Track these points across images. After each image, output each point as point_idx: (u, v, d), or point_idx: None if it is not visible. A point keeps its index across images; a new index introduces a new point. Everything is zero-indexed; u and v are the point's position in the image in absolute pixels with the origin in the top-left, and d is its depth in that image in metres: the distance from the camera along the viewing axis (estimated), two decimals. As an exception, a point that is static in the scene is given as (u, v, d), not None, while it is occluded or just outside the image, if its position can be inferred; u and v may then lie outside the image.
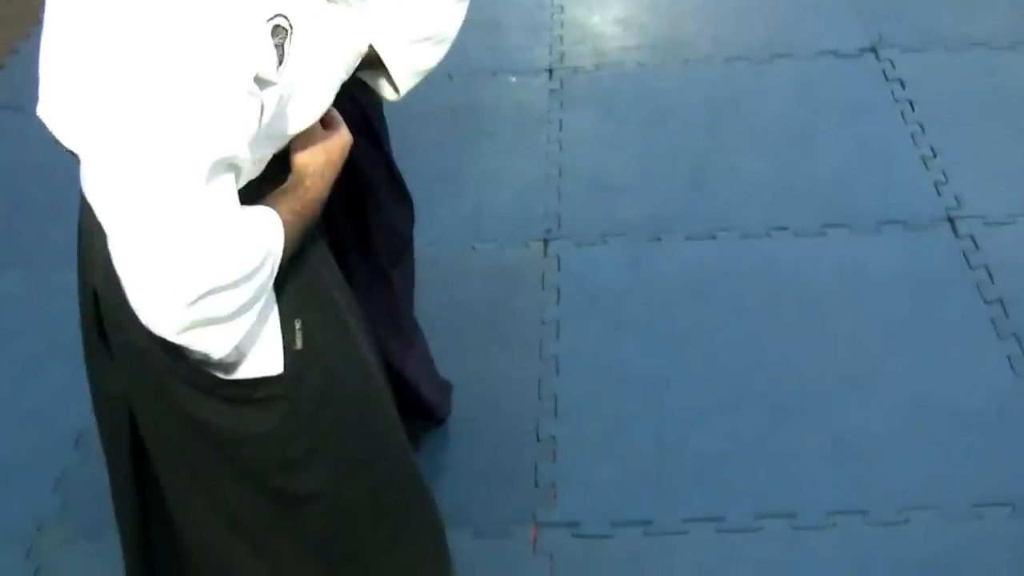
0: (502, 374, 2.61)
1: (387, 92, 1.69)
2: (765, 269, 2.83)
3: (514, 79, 3.65)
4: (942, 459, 2.35)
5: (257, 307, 1.31)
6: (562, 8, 3.98)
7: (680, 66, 3.64)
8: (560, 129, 3.39)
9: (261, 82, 1.19)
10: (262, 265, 1.26)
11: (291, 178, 1.41)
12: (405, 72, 1.65)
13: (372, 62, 1.60)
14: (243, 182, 1.27)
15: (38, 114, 1.37)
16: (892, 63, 3.50)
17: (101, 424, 1.70)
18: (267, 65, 1.19)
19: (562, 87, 3.58)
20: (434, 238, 2.92)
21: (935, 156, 3.12)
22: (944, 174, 3.06)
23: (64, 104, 1.33)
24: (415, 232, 2.19)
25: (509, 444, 2.45)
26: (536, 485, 2.37)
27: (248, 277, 1.24)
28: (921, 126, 3.23)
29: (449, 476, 2.36)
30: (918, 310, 2.69)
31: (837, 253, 2.86)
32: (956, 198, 2.98)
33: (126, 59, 1.13)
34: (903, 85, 3.40)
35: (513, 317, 2.77)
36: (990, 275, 2.76)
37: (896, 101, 3.35)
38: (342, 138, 1.46)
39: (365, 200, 2.02)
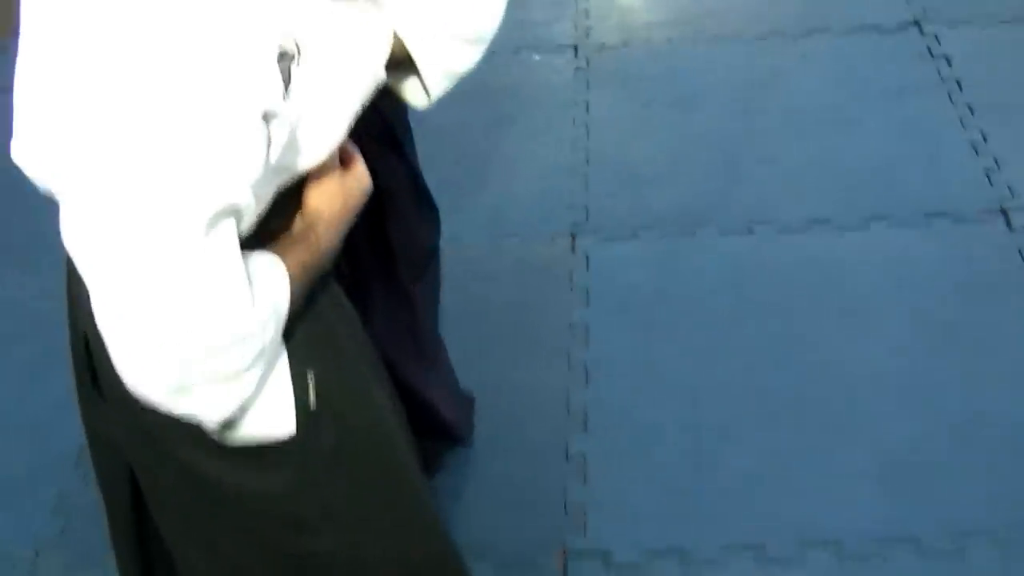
0: (527, 384, 2.46)
1: (415, 97, 1.54)
2: (805, 267, 2.66)
3: (537, 57, 3.48)
4: (1000, 480, 2.19)
5: (258, 370, 1.16)
6: (588, -19, 3.79)
7: (711, 42, 3.46)
8: (587, 111, 3.22)
9: (267, 116, 1.05)
10: (264, 325, 1.12)
11: (301, 224, 1.26)
12: (438, 74, 1.50)
13: (400, 62, 1.45)
14: (246, 227, 1.12)
15: (11, 154, 1.21)
16: (937, 38, 3.31)
17: (98, 468, 1.57)
18: (273, 96, 1.05)
19: (588, 65, 3.41)
20: (454, 234, 2.73)
21: (985, 141, 2.94)
22: (996, 161, 2.88)
23: (43, 139, 1.16)
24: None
25: (535, 463, 2.30)
26: (565, 509, 2.22)
27: (248, 338, 1.10)
28: (970, 108, 3.04)
29: (470, 500, 2.23)
30: (970, 312, 2.53)
31: (881, 249, 2.69)
32: (1009, 187, 2.81)
33: (115, 92, 0.98)
34: (949, 62, 3.21)
35: (539, 320, 2.62)
36: (1049, 273, 2.57)
37: (942, 80, 3.16)
38: (361, 181, 1.33)
39: (385, 213, 1.89)
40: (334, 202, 1.29)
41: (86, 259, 1.03)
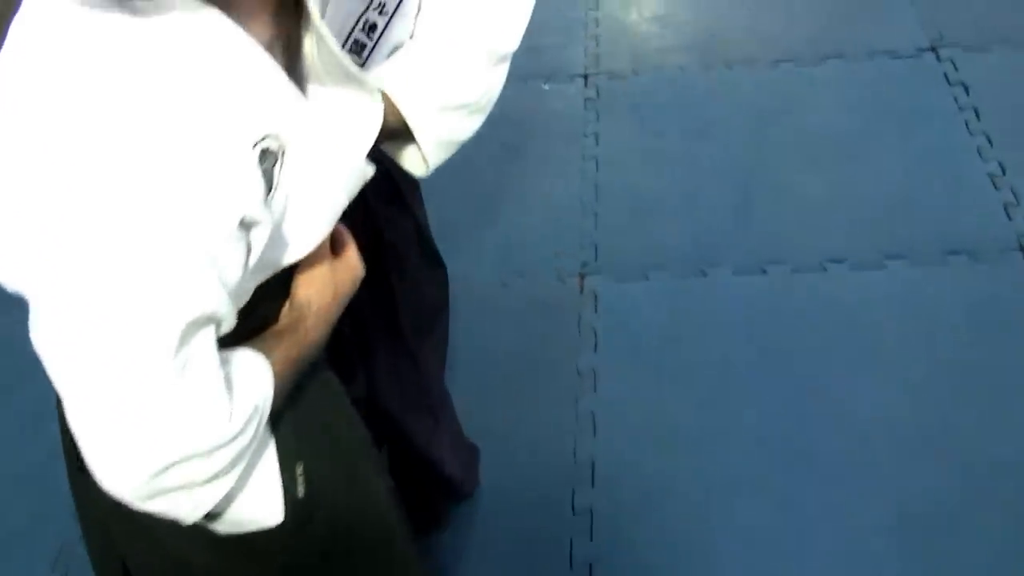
0: (534, 433, 2.41)
1: (414, 165, 1.52)
2: (820, 308, 2.60)
3: (547, 86, 3.41)
4: (1020, 533, 2.12)
5: (237, 470, 1.11)
6: (597, 4, 3.73)
7: (723, 69, 3.40)
8: (596, 143, 3.16)
9: (245, 223, 1.00)
10: (244, 428, 1.07)
11: (290, 315, 1.23)
12: (434, 143, 1.47)
13: (398, 132, 1.43)
14: (227, 328, 1.07)
15: None
16: (954, 64, 3.24)
17: (88, 545, 1.53)
18: (253, 204, 1.00)
19: (598, 95, 3.35)
20: (461, 272, 2.67)
21: (1004, 173, 2.87)
22: (1014, 194, 2.80)
23: (11, 245, 1.12)
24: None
25: (541, 517, 2.25)
26: (571, 566, 2.17)
27: (224, 446, 1.05)
28: (988, 138, 2.97)
29: (474, 557, 2.18)
30: (989, 354, 2.45)
31: (898, 289, 2.62)
32: (1029, 223, 2.73)
33: (85, 204, 0.92)
34: (967, 90, 3.13)
35: (546, 364, 2.56)
36: (1071, 314, 2.49)
37: (960, 109, 3.08)
38: (353, 270, 1.29)
39: (389, 270, 1.84)
40: (324, 293, 1.25)
41: (54, 366, 0.99)
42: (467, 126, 1.49)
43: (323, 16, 1.29)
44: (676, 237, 2.82)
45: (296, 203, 1.11)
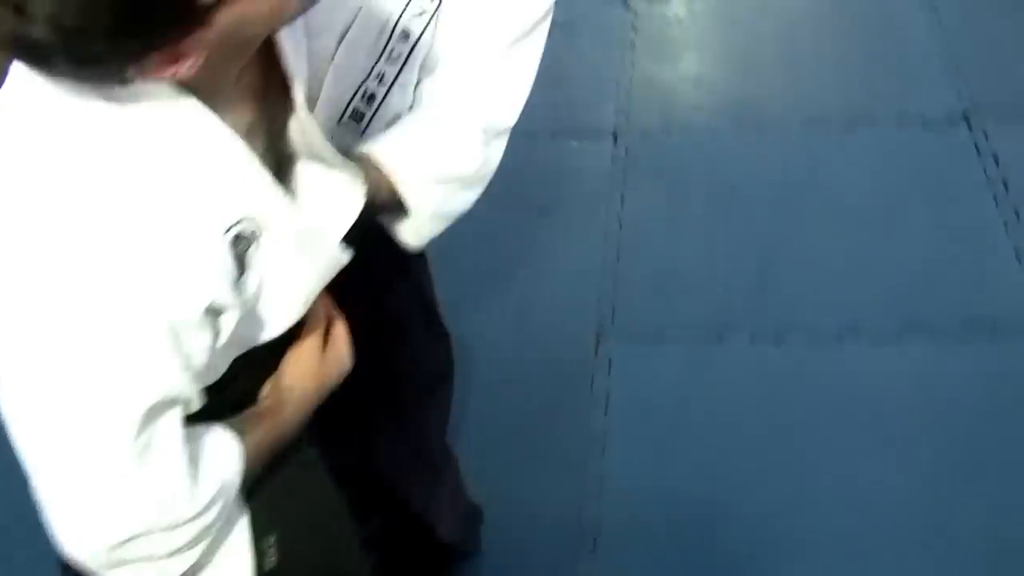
0: (540, 496, 2.41)
1: (409, 237, 1.53)
2: (834, 381, 2.58)
3: (576, 144, 3.43)
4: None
5: (203, 544, 1.14)
6: (632, 63, 3.75)
7: (753, 130, 3.39)
8: (621, 205, 3.17)
9: (213, 309, 1.03)
10: (208, 506, 1.10)
11: (271, 399, 1.26)
12: (429, 215, 1.49)
13: (393, 203, 1.45)
14: (196, 406, 1.09)
15: None
16: (985, 134, 3.21)
17: None
18: (220, 291, 1.03)
19: (626, 155, 3.35)
20: (478, 330, 2.73)
21: (1030, 249, 2.84)
22: (1039, 272, 2.78)
23: None
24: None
25: (543, 582, 2.25)
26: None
27: (188, 520, 1.08)
28: (1016, 212, 2.95)
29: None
30: (1003, 437, 2.43)
31: (914, 365, 2.60)
32: (1052, 303, 2.70)
33: (49, 283, 0.96)
34: (997, 162, 3.11)
35: (557, 426, 2.57)
36: (1091, 398, 2.46)
37: (988, 181, 3.06)
38: (341, 362, 1.33)
39: (390, 339, 1.84)
40: (309, 382, 1.28)
41: (18, 435, 1.01)
42: (462, 199, 1.52)
43: (322, 87, 1.33)
44: (694, 303, 2.82)
45: (270, 284, 1.13)
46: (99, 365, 0.97)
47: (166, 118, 0.98)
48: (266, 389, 1.28)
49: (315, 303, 1.32)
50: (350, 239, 1.23)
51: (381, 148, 1.41)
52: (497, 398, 2.61)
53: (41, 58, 0.87)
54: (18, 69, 0.98)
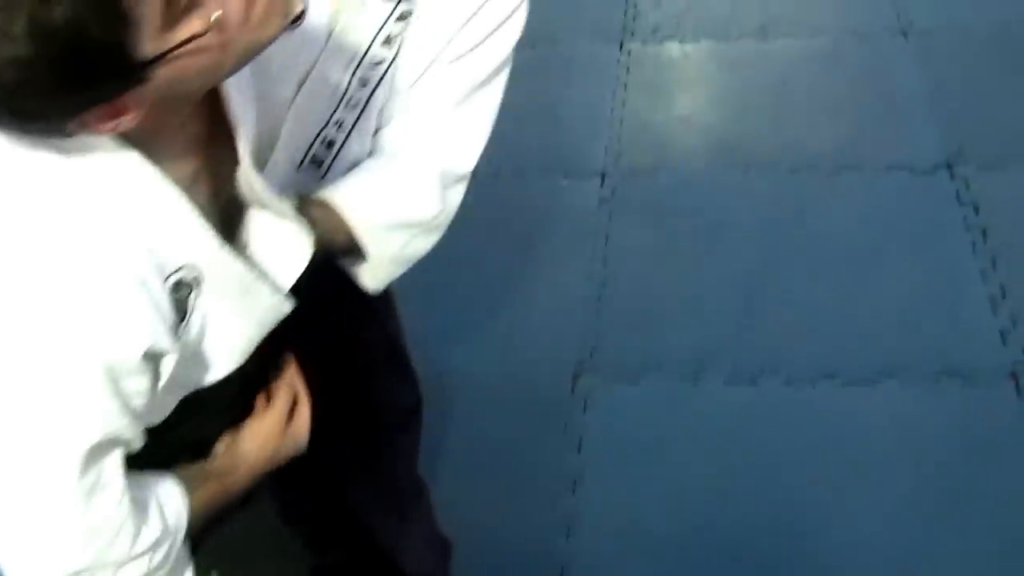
0: (511, 531, 2.45)
1: (367, 280, 1.56)
2: (808, 424, 2.62)
3: (565, 182, 3.48)
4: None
5: None
6: (624, 103, 3.80)
7: (742, 171, 3.45)
8: (606, 243, 3.21)
9: (151, 354, 1.06)
10: (154, 547, 1.13)
11: (223, 460, 1.30)
12: (387, 259, 1.53)
13: (351, 246, 1.48)
14: (136, 446, 1.12)
15: None
16: (967, 183, 3.26)
17: None
18: (158, 336, 1.05)
19: (613, 194, 3.40)
20: (460, 363, 2.79)
21: (1004, 297, 2.88)
22: (1012, 320, 2.82)
23: None
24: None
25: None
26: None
27: (135, 559, 1.12)
28: (993, 261, 2.99)
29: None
30: (973, 481, 2.46)
31: (888, 408, 2.64)
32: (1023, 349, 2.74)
33: None
34: (976, 210, 3.16)
35: (531, 463, 2.61)
36: (1058, 444, 2.50)
37: (968, 228, 3.11)
38: (298, 440, 1.37)
39: (356, 379, 1.87)
40: (265, 451, 1.32)
41: None
42: (420, 245, 1.55)
43: (280, 132, 1.37)
44: (672, 342, 2.87)
45: (212, 329, 1.16)
46: (41, 405, 1.00)
47: (107, 169, 1.01)
48: (221, 447, 1.32)
49: (287, 377, 1.40)
50: (300, 287, 1.27)
51: (340, 193, 1.45)
52: (475, 431, 2.66)
53: None
54: None
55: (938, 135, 3.46)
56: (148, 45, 0.90)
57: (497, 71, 1.55)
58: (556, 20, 4.26)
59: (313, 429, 1.43)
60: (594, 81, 3.96)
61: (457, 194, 1.57)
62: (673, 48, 4.12)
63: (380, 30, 1.43)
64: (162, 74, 0.93)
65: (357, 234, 1.46)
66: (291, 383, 1.40)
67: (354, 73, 1.43)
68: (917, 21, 3.98)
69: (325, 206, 1.43)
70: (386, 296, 1.90)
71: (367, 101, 1.46)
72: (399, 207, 1.50)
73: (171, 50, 0.92)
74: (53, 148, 0.99)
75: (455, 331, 2.92)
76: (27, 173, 0.99)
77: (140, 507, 1.12)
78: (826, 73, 3.84)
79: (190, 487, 1.20)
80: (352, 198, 1.45)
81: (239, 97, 1.13)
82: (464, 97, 1.52)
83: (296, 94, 1.39)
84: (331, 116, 1.44)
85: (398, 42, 1.45)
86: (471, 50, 1.50)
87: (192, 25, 0.92)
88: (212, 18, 0.93)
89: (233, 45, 0.98)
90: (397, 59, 1.46)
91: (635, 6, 4.37)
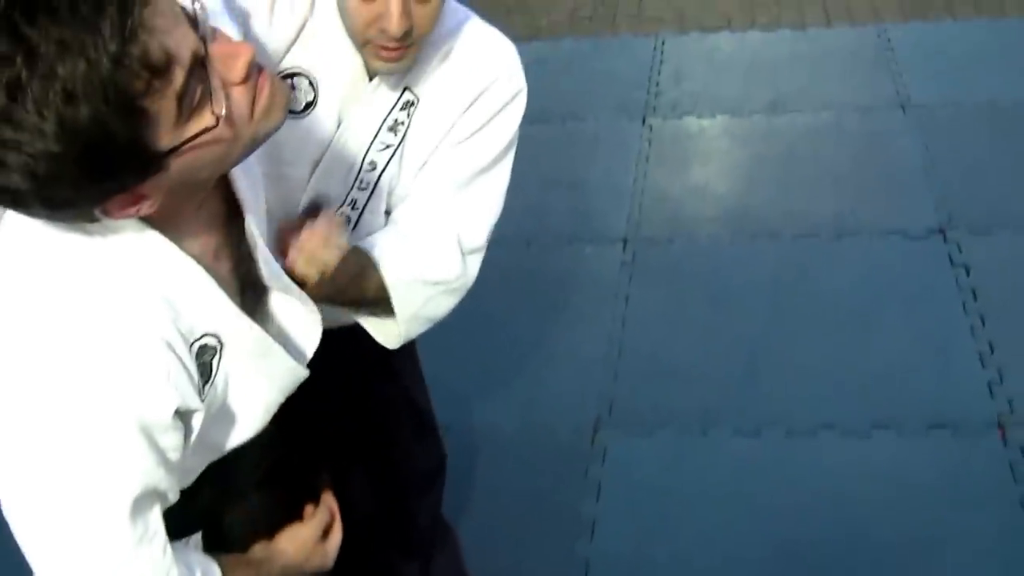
0: (531, 575, 2.67)
1: (386, 336, 1.68)
2: (807, 473, 2.85)
3: (589, 249, 3.76)
4: None
5: None
6: (646, 174, 4.09)
7: (750, 239, 3.73)
8: (626, 306, 3.48)
9: (182, 412, 1.14)
10: None
11: (261, 552, 1.41)
12: (411, 314, 1.64)
13: (377, 300, 1.61)
14: (174, 498, 1.21)
15: None
16: (959, 247, 3.52)
17: None
18: (187, 396, 1.14)
19: (633, 260, 3.68)
20: (485, 419, 3.04)
21: (992, 352, 3.12)
22: (999, 374, 3.05)
23: None
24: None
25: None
26: None
27: None
28: (982, 319, 3.24)
29: None
30: (961, 527, 2.67)
31: (881, 459, 2.87)
32: (1009, 402, 2.97)
33: (38, 397, 1.07)
34: (967, 272, 3.41)
35: (551, 511, 2.84)
36: (1041, 493, 2.71)
37: (959, 289, 3.36)
38: (325, 559, 1.48)
39: (378, 446, 2.03)
40: (299, 555, 1.44)
41: (23, 537, 1.12)
42: (442, 304, 1.67)
43: (297, 210, 1.52)
44: (685, 398, 3.12)
45: (235, 389, 1.24)
46: (86, 460, 1.07)
47: (131, 248, 1.09)
48: (259, 547, 1.42)
49: (326, 500, 1.51)
50: (316, 356, 1.36)
51: (375, 245, 1.58)
52: (501, 481, 2.91)
53: (19, 202, 0.99)
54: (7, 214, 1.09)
55: (932, 202, 3.74)
56: (164, 139, 0.99)
57: (503, 152, 1.66)
58: (584, 97, 4.61)
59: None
60: (618, 154, 4.28)
61: (475, 264, 1.69)
62: (691, 123, 4.43)
63: (386, 118, 1.59)
64: (177, 164, 1.02)
65: (388, 283, 1.59)
66: (330, 506, 1.51)
67: (364, 157, 1.58)
68: (915, 96, 4.28)
69: (360, 253, 1.57)
70: (408, 360, 2.03)
71: (376, 182, 1.61)
72: (425, 264, 1.62)
73: (185, 142, 1.01)
74: (82, 231, 1.07)
75: (483, 387, 3.19)
76: (60, 254, 1.08)
77: (185, 568, 1.21)
78: (830, 144, 4.14)
79: (227, 567, 1.30)
80: (385, 251, 1.59)
81: (246, 182, 1.23)
82: (472, 176, 1.64)
83: (311, 176, 1.56)
84: (346, 196, 1.60)
85: (403, 128, 1.60)
86: (473, 134, 1.63)
87: (203, 119, 1.01)
88: (221, 112, 1.02)
89: (241, 136, 1.07)
90: (403, 144, 1.60)
91: (657, 84, 4.69)
